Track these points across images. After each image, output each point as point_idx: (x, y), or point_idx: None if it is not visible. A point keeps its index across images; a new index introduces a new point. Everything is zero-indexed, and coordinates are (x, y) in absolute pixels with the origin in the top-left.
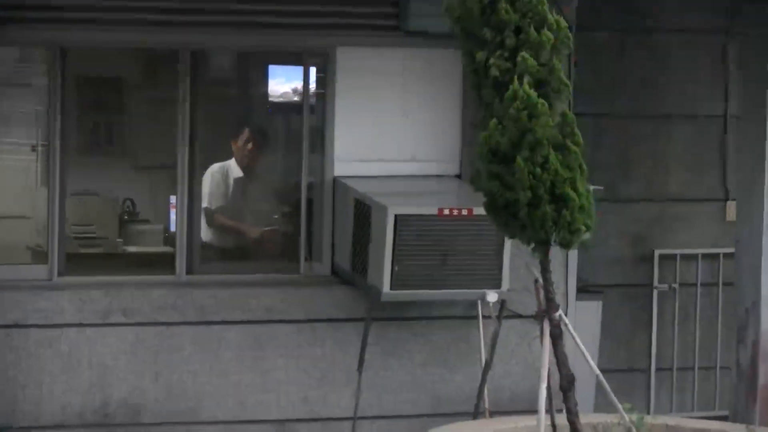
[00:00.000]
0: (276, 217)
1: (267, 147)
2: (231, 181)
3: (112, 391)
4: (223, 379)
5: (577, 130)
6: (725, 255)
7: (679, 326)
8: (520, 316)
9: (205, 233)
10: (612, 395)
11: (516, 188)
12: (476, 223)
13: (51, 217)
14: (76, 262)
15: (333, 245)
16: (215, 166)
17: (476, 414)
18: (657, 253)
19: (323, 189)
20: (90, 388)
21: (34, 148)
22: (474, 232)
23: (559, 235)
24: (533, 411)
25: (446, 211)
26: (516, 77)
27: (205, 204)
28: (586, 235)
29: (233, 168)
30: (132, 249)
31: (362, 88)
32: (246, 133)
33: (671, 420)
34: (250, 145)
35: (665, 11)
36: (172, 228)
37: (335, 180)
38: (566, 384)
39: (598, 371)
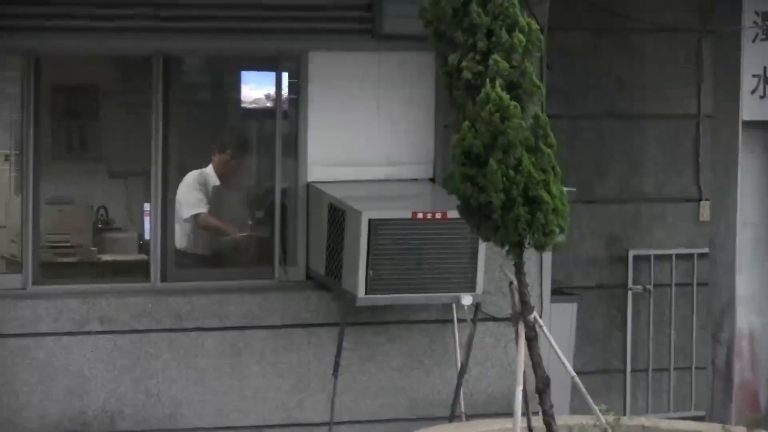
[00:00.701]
0: (251, 222)
1: (245, 157)
2: (210, 189)
3: (90, 399)
4: (200, 385)
5: (550, 132)
6: (699, 255)
7: (654, 327)
8: (495, 319)
9: (183, 239)
10: (588, 397)
11: (489, 191)
12: (450, 227)
13: (25, 226)
14: (51, 270)
15: (308, 250)
16: (194, 173)
17: (452, 417)
18: (631, 253)
19: (297, 194)
20: (67, 396)
21: (7, 157)
22: (448, 236)
23: (534, 237)
24: (509, 413)
25: (420, 215)
26: (488, 80)
27: (193, 211)
28: (561, 237)
29: (211, 175)
30: (107, 257)
31: (335, 92)
32: (226, 144)
33: (647, 421)
34: (229, 157)
35: (639, 10)
36: (147, 235)
37: (309, 185)
38: (542, 386)
39: (573, 373)
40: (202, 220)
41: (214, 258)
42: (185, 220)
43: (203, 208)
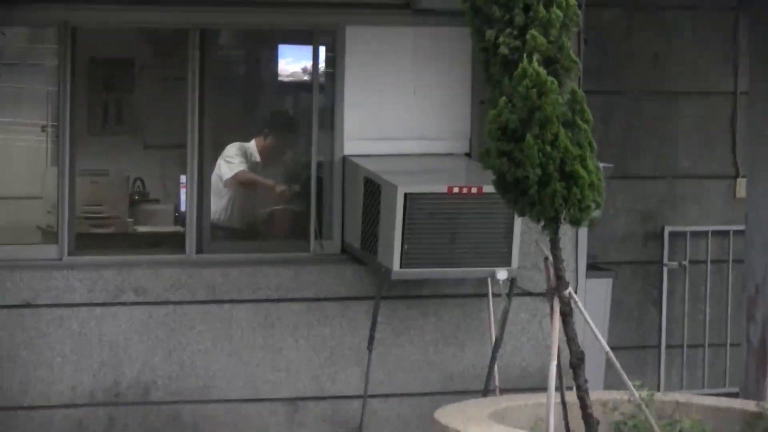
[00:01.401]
0: (288, 193)
1: (284, 134)
2: (250, 160)
3: (123, 369)
4: (233, 357)
5: (586, 108)
6: (735, 232)
7: (689, 303)
8: (530, 294)
9: (219, 211)
10: (622, 372)
11: (525, 166)
12: (486, 201)
13: (61, 197)
14: (86, 241)
15: (343, 224)
16: (236, 144)
17: (486, 391)
18: (667, 230)
19: (333, 168)
20: (101, 367)
21: (43, 128)
22: (484, 210)
23: (569, 212)
24: (543, 388)
25: (456, 189)
26: (525, 55)
27: (234, 170)
28: (596, 213)
29: (253, 151)
30: (142, 229)
31: (372, 67)
32: (269, 132)
33: (681, 397)
34: (273, 143)
35: None
36: (182, 207)
37: (345, 159)
38: (576, 361)
39: (608, 348)
40: (242, 175)
41: (250, 231)
42: (225, 184)
43: (244, 166)
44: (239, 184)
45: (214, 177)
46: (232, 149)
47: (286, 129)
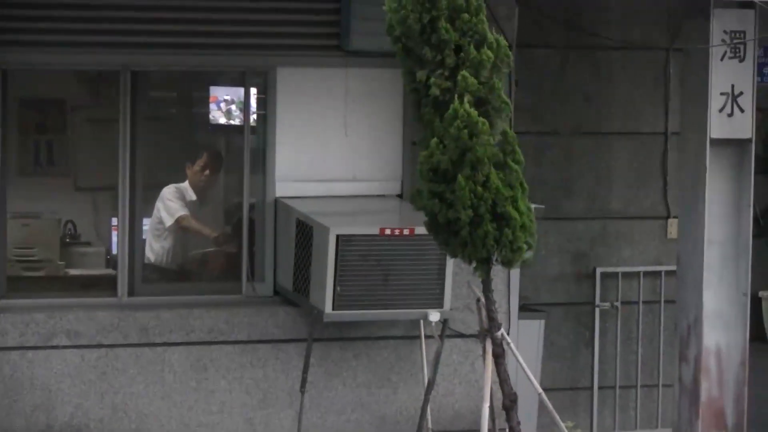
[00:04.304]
0: (220, 238)
1: (221, 171)
2: (186, 202)
3: (56, 413)
4: (166, 400)
5: (518, 148)
6: (667, 272)
7: (621, 344)
8: (462, 335)
9: (152, 254)
10: (555, 414)
11: (457, 207)
12: (418, 243)
13: None
14: (18, 284)
15: (275, 266)
16: (171, 187)
17: None
18: (599, 271)
19: (265, 209)
20: (33, 410)
21: None
22: (416, 252)
23: (501, 253)
24: (476, 430)
25: (388, 231)
26: (456, 96)
27: (176, 215)
28: (528, 254)
29: (188, 190)
30: (74, 271)
31: (303, 108)
32: (204, 158)
33: None
34: (207, 171)
35: (607, 28)
36: (114, 250)
37: (277, 200)
38: (509, 403)
39: (540, 390)
40: (184, 220)
41: (182, 273)
42: (166, 228)
43: (185, 211)
44: (180, 228)
45: (152, 220)
46: (169, 191)
47: (216, 161)
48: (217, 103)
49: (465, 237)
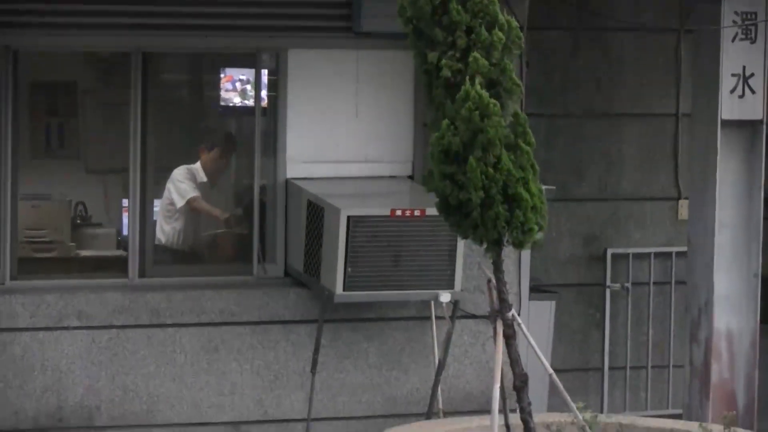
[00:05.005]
0: (231, 219)
1: (233, 155)
2: (197, 183)
3: (67, 394)
4: (177, 381)
5: (529, 130)
6: (678, 254)
7: (632, 325)
8: (473, 316)
9: (163, 235)
10: (565, 394)
11: (468, 188)
12: (429, 224)
13: (3, 222)
14: (29, 266)
15: (286, 247)
16: (182, 168)
17: (430, 414)
18: (609, 252)
19: (276, 191)
20: (44, 392)
21: None
22: (427, 233)
23: (512, 235)
24: (487, 411)
25: (399, 212)
26: (468, 78)
27: (187, 197)
28: (539, 235)
29: (199, 171)
30: (85, 253)
31: (314, 90)
32: (218, 143)
33: (625, 419)
34: (218, 155)
35: (618, 10)
36: (125, 231)
37: (288, 182)
38: (519, 383)
39: (551, 370)
40: (195, 202)
41: (193, 254)
42: (177, 209)
43: (196, 193)
44: (191, 210)
45: (163, 201)
46: (180, 172)
47: (227, 141)
48: (233, 83)
49: (476, 218)
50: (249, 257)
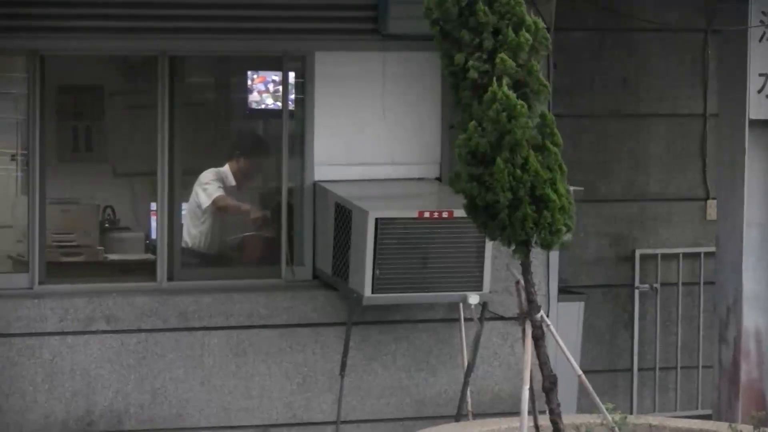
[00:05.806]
0: (259, 221)
1: (261, 162)
2: (226, 187)
3: (96, 398)
4: (205, 385)
5: (556, 131)
6: (706, 254)
7: (660, 326)
8: (501, 318)
9: (190, 238)
10: (594, 396)
11: (496, 190)
12: (457, 226)
13: (31, 226)
14: (57, 270)
15: (314, 250)
16: (211, 171)
17: (459, 416)
18: (638, 253)
19: (303, 193)
20: (73, 396)
21: (13, 157)
22: (455, 235)
23: (540, 236)
24: (516, 412)
25: (427, 214)
26: (495, 79)
27: (213, 196)
28: (567, 236)
29: (228, 175)
30: (113, 257)
31: (341, 92)
32: (244, 152)
33: (654, 419)
34: (250, 162)
35: (643, 10)
36: (153, 235)
37: (315, 184)
38: (549, 385)
39: (580, 372)
40: (220, 201)
41: (221, 257)
42: (204, 211)
43: (221, 192)
44: (218, 210)
45: (191, 204)
46: (207, 175)
47: (259, 150)
48: (265, 84)
49: (504, 220)
50: (277, 260)
